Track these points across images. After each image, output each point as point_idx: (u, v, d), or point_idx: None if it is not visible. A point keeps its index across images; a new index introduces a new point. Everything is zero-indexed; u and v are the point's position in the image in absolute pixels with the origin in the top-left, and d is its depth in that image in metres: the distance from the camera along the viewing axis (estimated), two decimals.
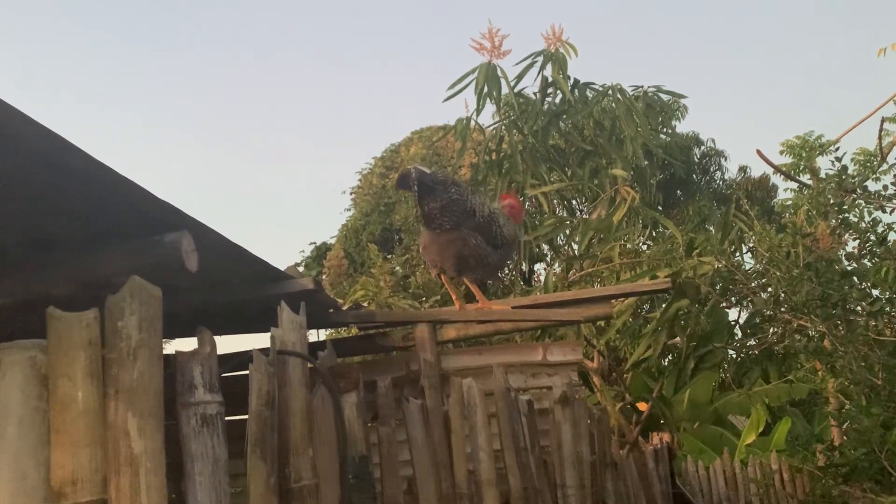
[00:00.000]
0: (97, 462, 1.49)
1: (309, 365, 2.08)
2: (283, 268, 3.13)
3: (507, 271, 10.41)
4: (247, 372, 1.90)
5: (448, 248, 3.87)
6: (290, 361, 1.97)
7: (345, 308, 4.39)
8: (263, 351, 1.96)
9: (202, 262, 2.15)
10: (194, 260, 2.04)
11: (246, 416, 1.87)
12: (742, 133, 34.27)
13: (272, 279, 2.96)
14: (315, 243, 20.29)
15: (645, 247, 10.34)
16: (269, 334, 2.05)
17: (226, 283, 2.92)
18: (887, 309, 4.59)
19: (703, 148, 18.56)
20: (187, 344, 1.99)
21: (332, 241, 19.69)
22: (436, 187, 3.77)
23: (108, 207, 1.96)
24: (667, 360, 11.52)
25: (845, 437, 5.12)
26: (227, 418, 1.77)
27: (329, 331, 10.79)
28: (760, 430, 10.87)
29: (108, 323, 1.55)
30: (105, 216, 2.01)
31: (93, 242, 2.08)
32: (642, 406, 10.04)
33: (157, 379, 1.54)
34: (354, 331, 5.82)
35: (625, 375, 9.83)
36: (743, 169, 18.99)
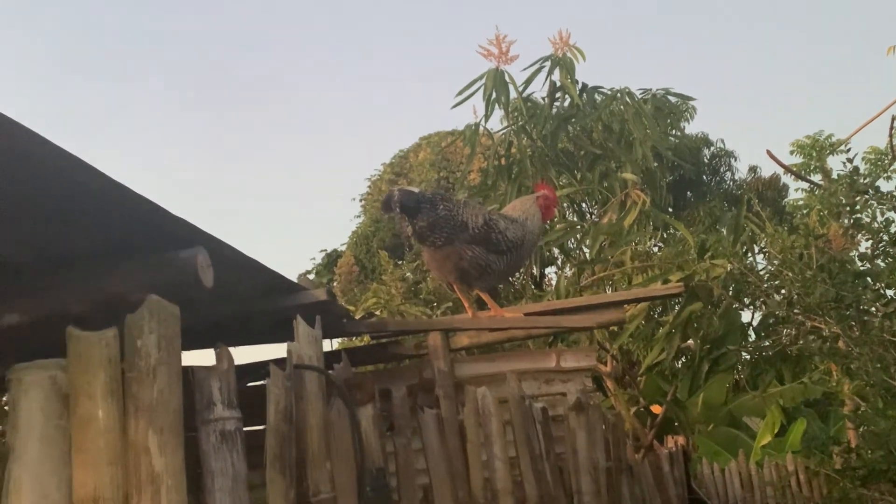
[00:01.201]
0: (119, 480, 1.50)
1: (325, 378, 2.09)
2: (294, 275, 3.15)
3: (518, 276, 10.41)
4: (263, 382, 1.91)
5: (445, 264, 3.91)
6: (307, 375, 1.98)
7: (357, 317, 4.40)
8: (279, 363, 1.97)
9: (217, 277, 2.16)
10: (210, 275, 2.05)
11: (263, 427, 1.88)
12: (752, 133, 34.16)
13: (286, 291, 2.97)
14: (326, 250, 20.34)
15: (656, 250, 10.32)
16: (283, 345, 2.06)
17: (240, 296, 2.93)
18: None
19: (712, 149, 18.53)
20: (203, 356, 2.00)
21: (343, 248, 19.74)
22: (422, 206, 3.81)
23: (122, 224, 1.97)
24: (680, 362, 11.47)
25: (862, 439, 5.08)
26: (244, 428, 1.78)
27: (341, 339, 10.81)
28: (775, 431, 10.81)
29: (128, 341, 1.56)
30: (120, 233, 2.02)
31: (109, 260, 2.09)
32: (656, 409, 10.00)
33: (177, 396, 1.55)
34: (367, 339, 5.83)
35: (639, 379, 9.80)
36: (753, 169, 18.94)
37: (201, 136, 42.83)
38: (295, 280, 3.20)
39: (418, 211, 3.81)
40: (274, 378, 1.84)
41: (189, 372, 1.76)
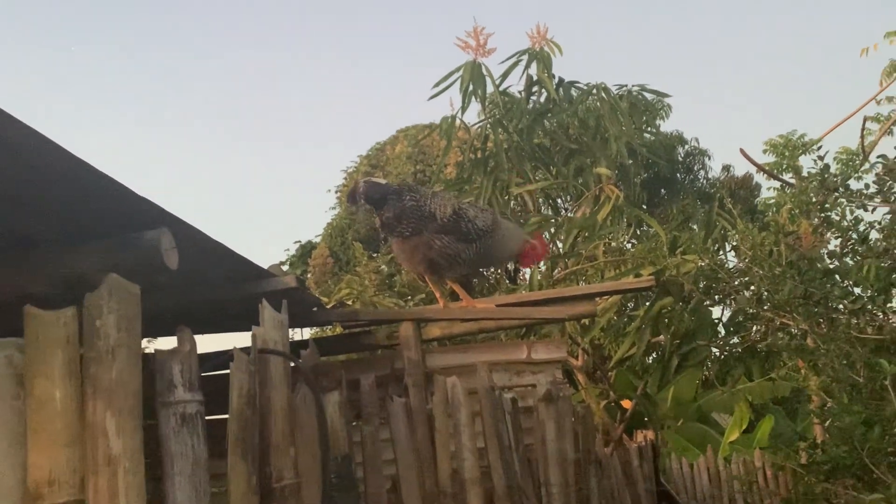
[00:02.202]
0: (75, 462, 1.47)
1: (291, 364, 2.07)
2: (266, 266, 3.11)
3: (492, 270, 10.41)
4: (228, 371, 1.89)
5: (414, 254, 3.93)
6: (272, 360, 1.96)
7: (329, 307, 4.37)
8: (245, 350, 1.95)
9: (183, 260, 2.13)
10: (174, 258, 2.02)
11: (227, 416, 1.85)
12: (726, 132, 34.44)
13: (254, 277, 2.94)
14: (300, 242, 20.21)
15: (629, 245, 10.38)
16: (251, 333, 2.03)
17: (207, 282, 2.89)
18: (869, 307, 4.62)
19: (686, 147, 18.64)
20: (170, 343, 1.97)
21: (318, 239, 19.63)
22: (388, 198, 3.84)
23: (86, 204, 1.93)
24: (651, 358, 11.56)
25: (827, 435, 5.14)
26: (207, 418, 1.76)
27: (314, 329, 10.76)
28: (744, 427, 10.91)
29: (87, 321, 1.53)
30: (84, 213, 1.99)
31: (71, 240, 2.06)
32: (626, 404, 10.08)
33: (136, 378, 1.52)
34: (339, 330, 5.80)
35: (609, 373, 9.86)
36: (726, 168, 19.07)
37: (171, 121, 42.38)
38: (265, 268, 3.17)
39: (385, 202, 3.84)
40: (238, 362, 1.81)
41: (150, 355, 1.73)
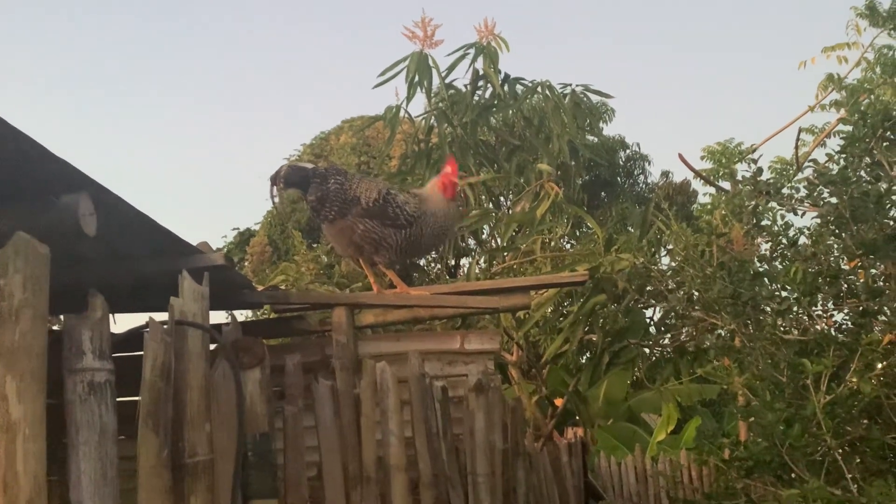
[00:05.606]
0: None
1: (212, 344, 2.01)
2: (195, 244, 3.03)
3: (433, 265, 10.39)
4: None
5: (340, 238, 3.93)
6: (190, 333, 1.90)
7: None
8: (163, 323, 1.88)
9: (103, 230, 2.06)
10: (92, 224, 1.95)
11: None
12: (666, 139, 35.07)
13: (180, 253, 2.85)
14: (238, 229, 19.88)
15: (568, 245, 10.48)
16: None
17: (130, 256, 2.80)
18: (795, 309, 4.72)
19: (628, 151, 18.93)
20: None
21: (257, 227, 19.33)
22: (311, 181, 3.83)
23: None
24: (584, 357, 11.69)
25: (751, 433, 5.25)
26: (124, 399, 1.70)
27: (246, 313, 10.60)
28: (671, 428, 11.12)
29: None
30: None
31: None
32: (558, 401, 10.18)
33: (41, 341, 1.45)
34: (272, 316, 5.69)
35: (543, 370, 9.94)
36: (665, 174, 19.42)
37: (106, 104, 41.30)
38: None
39: (307, 185, 3.83)
40: (153, 331, 1.75)
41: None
